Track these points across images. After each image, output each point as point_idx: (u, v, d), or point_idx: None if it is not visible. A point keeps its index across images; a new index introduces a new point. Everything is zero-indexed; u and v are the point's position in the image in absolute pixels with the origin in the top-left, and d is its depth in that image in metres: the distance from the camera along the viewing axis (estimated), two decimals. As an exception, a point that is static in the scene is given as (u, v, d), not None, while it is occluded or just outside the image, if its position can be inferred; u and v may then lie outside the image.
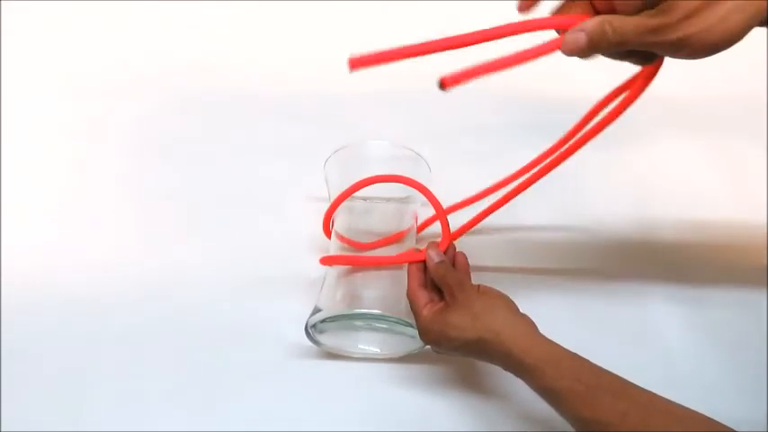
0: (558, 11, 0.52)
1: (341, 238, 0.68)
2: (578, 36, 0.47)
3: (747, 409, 0.65)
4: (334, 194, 0.68)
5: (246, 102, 0.92)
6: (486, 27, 0.50)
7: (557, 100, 0.97)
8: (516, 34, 0.50)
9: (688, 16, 0.46)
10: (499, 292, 0.60)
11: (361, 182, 0.65)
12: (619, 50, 0.48)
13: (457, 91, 1.01)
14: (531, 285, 0.74)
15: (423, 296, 0.61)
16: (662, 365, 0.69)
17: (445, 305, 0.59)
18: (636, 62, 0.52)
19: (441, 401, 0.65)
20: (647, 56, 0.51)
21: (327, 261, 0.65)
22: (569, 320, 0.71)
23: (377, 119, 0.91)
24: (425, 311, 0.60)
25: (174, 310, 0.70)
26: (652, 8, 0.48)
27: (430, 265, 0.61)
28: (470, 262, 0.64)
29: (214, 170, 0.84)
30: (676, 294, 0.74)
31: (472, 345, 0.57)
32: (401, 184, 0.66)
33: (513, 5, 0.54)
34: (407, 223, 0.69)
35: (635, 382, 0.53)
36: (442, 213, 0.65)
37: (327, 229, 0.69)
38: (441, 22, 1.08)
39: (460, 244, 0.66)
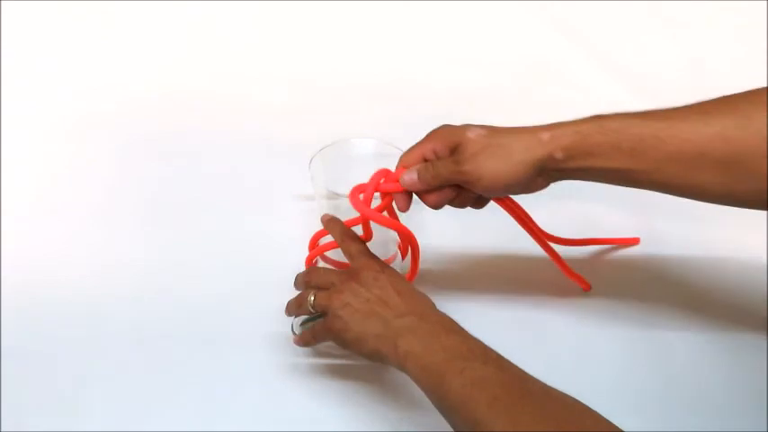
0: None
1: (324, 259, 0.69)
2: (412, 175, 0.61)
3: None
4: (320, 192, 0.68)
5: (234, 102, 0.93)
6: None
7: (552, 100, 0.95)
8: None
9: (474, 155, 0.59)
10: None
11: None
12: (441, 185, 0.61)
13: (452, 90, 1.00)
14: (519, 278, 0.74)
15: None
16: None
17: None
18: (468, 203, 0.64)
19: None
20: (476, 198, 0.63)
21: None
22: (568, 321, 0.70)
23: (366, 116, 0.90)
24: None
25: (171, 310, 0.71)
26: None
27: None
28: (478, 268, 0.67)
29: (207, 170, 0.84)
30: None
31: None
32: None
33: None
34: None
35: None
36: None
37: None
38: (432, 22, 1.08)
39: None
